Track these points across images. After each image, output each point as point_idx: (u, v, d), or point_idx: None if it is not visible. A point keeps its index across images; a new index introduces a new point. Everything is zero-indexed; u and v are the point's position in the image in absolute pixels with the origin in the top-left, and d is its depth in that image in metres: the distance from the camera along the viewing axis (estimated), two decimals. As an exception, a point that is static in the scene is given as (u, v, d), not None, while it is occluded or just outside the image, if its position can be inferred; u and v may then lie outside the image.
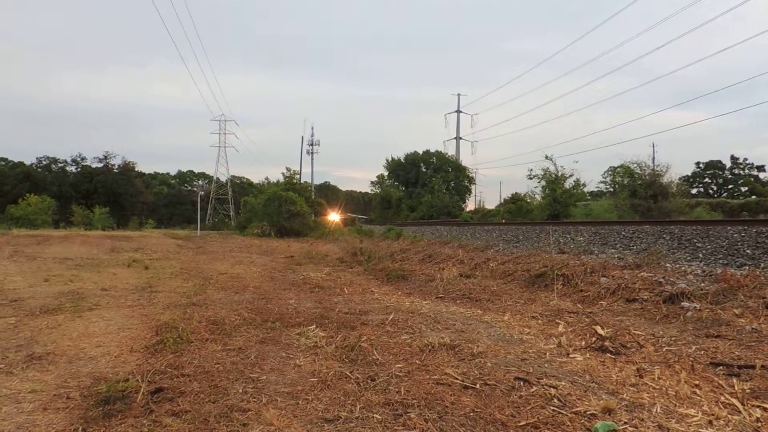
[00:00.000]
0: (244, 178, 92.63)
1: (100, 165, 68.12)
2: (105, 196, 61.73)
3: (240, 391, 3.52)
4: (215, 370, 3.96)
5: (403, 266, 12.89)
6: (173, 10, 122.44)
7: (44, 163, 69.78)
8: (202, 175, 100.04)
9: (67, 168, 69.18)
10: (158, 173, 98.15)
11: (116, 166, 68.60)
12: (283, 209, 32.34)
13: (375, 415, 3.13)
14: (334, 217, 52.00)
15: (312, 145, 65.02)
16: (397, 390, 3.58)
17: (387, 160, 66.96)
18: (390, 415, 3.14)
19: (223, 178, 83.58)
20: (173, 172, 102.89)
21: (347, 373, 3.97)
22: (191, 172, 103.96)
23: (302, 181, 52.26)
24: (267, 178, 59.34)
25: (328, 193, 79.24)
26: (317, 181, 76.87)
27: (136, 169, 71.99)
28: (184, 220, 72.55)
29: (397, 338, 5.20)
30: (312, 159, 65.31)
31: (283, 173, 47.35)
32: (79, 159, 69.13)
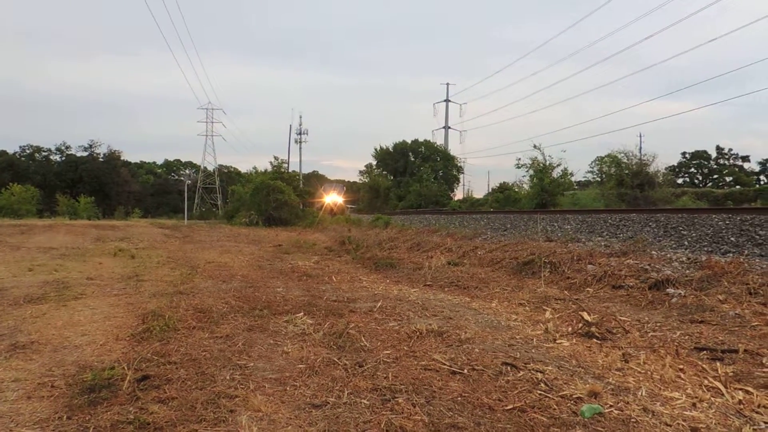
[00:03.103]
0: (231, 167, 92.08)
1: (85, 154, 67.34)
2: (90, 185, 61.03)
3: (227, 377, 3.51)
4: (202, 358, 3.93)
5: (392, 254, 12.89)
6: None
7: (27, 151, 68.80)
8: (190, 164, 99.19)
9: (52, 157, 68.26)
10: (145, 162, 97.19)
11: (102, 155, 67.85)
12: (271, 198, 32.14)
13: (363, 401, 3.13)
14: (335, 198, 50.60)
15: (300, 134, 64.48)
16: (385, 376, 3.58)
17: (375, 149, 66.92)
18: (378, 400, 3.14)
19: (210, 167, 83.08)
20: (160, 161, 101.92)
21: (335, 359, 3.97)
22: (178, 161, 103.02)
23: (290, 170, 51.82)
24: (255, 168, 58.93)
25: (316, 182, 78.92)
26: (305, 171, 76.46)
27: (122, 158, 71.25)
28: (171, 210, 72.08)
29: (385, 325, 5.20)
30: (300, 148, 64.83)
31: (271, 162, 46.87)
32: (63, 148, 68.26)
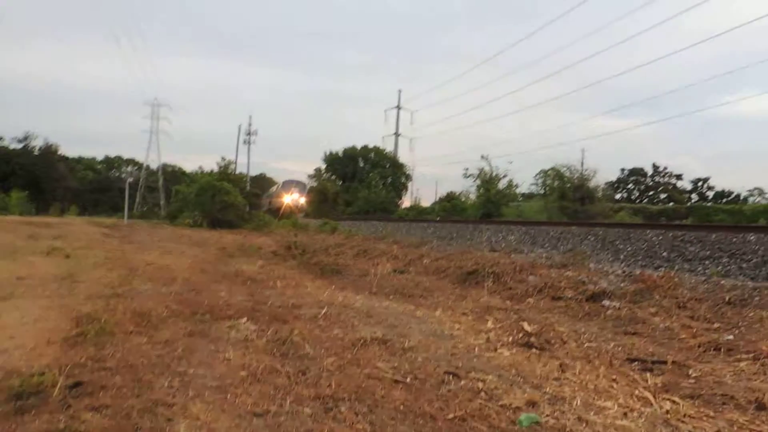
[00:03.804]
0: (176, 166, 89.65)
1: (20, 146, 64.16)
2: (24, 179, 58.09)
3: (165, 385, 3.41)
4: (139, 364, 3.81)
5: (338, 261, 12.86)
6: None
7: (-45, 142, 64.96)
8: (132, 162, 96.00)
9: (-18, 149, 64.70)
10: (83, 158, 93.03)
11: (37, 148, 64.82)
12: (216, 200, 31.49)
13: (305, 409, 3.11)
14: (295, 198, 45.20)
15: (249, 134, 63.61)
16: (328, 384, 3.57)
17: (325, 154, 66.75)
18: (320, 409, 3.13)
19: (154, 166, 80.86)
20: (100, 157, 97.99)
21: (278, 367, 3.92)
22: (119, 157, 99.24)
23: (238, 172, 50.91)
24: (201, 167, 57.74)
25: (263, 184, 77.93)
26: (254, 172, 75.22)
27: (59, 152, 68.33)
28: (111, 208, 69.30)
29: (329, 332, 5.19)
30: (249, 149, 63.90)
31: (218, 162, 45.97)
32: (-5, 139, 64.78)
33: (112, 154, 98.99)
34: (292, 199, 45.00)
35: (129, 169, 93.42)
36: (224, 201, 31.67)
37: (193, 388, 3.38)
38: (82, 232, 20.36)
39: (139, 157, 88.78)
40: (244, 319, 5.56)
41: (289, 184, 48.26)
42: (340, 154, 65.59)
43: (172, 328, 5.07)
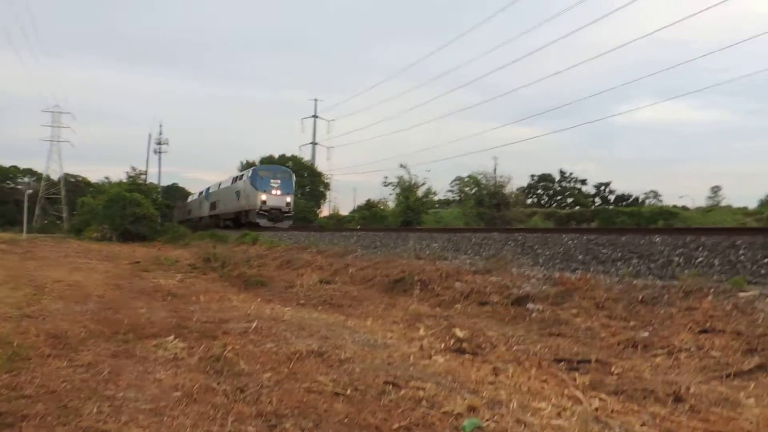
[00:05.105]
0: (80, 176, 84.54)
1: None
2: None
3: (95, 410, 3.20)
4: (62, 389, 3.56)
5: (261, 272, 12.61)
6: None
7: None
8: (29, 172, 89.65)
9: None
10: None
11: None
12: (127, 211, 30.08)
13: (249, 428, 3.02)
14: (277, 195, 30.16)
15: (160, 143, 60.88)
16: (268, 400, 3.49)
17: (241, 163, 65.19)
18: (264, 427, 3.05)
19: (55, 176, 76.00)
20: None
21: (214, 385, 3.79)
22: (15, 167, 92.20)
23: (149, 182, 48.54)
24: (107, 178, 54.62)
25: (176, 195, 75.08)
26: (165, 183, 72.15)
27: (-56, 163, 62.76)
28: (6, 222, 64.45)
29: (262, 347, 5.07)
30: (159, 159, 61.00)
31: (127, 172, 43.64)
32: None
33: (6, 163, 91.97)
34: (272, 198, 30.37)
35: (27, 179, 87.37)
36: (135, 213, 30.37)
37: (125, 413, 3.20)
38: (-25, 249, 18.78)
39: (38, 167, 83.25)
40: (171, 337, 5.34)
41: (265, 175, 31.16)
42: (258, 163, 64.40)
43: (93, 349, 4.78)
